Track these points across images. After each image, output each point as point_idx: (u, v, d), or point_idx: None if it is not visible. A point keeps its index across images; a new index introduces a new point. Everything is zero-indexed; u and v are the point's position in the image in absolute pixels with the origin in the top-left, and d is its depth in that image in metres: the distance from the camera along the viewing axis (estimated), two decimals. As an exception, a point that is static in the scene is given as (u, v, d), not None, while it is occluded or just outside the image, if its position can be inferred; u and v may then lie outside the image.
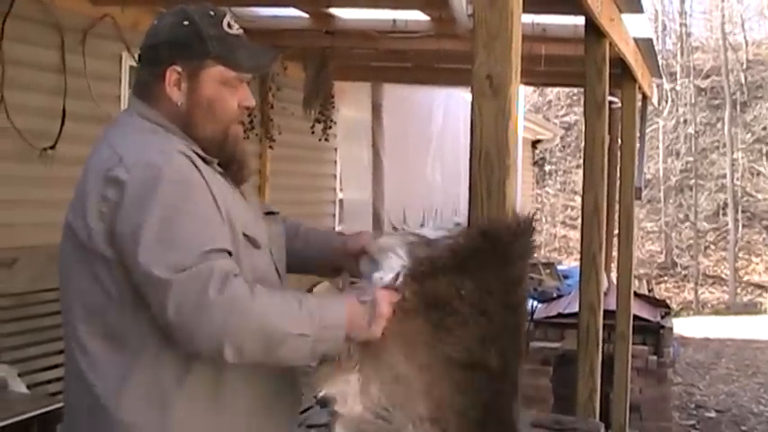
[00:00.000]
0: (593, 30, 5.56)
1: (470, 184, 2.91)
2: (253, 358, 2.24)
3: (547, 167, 33.47)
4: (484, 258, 2.51)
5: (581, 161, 6.59)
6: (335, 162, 11.48)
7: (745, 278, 30.24)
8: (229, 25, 2.47)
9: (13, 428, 4.57)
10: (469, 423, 2.51)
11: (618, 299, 7.66)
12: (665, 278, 30.57)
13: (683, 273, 30.83)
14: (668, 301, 14.46)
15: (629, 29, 6.50)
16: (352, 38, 8.47)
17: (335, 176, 11.60)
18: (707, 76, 34.54)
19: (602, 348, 5.89)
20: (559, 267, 15.67)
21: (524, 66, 3.03)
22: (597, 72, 5.69)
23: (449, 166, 13.27)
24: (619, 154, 8.47)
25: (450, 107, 13.18)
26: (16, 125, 6.09)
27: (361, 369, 2.42)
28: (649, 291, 17.78)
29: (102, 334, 2.30)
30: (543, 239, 29.59)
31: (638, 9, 6.02)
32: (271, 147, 9.57)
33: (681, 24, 36.91)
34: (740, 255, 30.71)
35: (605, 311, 6.00)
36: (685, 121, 33.97)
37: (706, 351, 15.50)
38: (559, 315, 9.09)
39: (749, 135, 33.30)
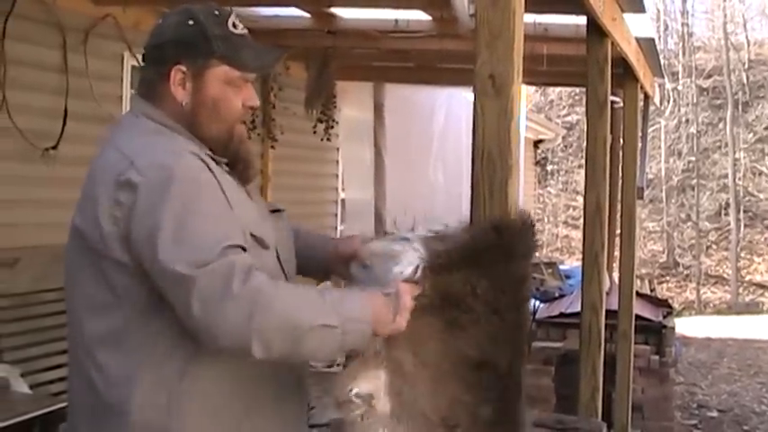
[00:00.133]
0: (596, 29, 5.56)
1: (473, 183, 2.91)
2: (280, 352, 2.23)
3: (549, 167, 33.46)
4: (496, 254, 2.53)
5: (583, 161, 6.58)
6: (337, 162, 11.49)
7: (747, 278, 30.23)
8: (234, 25, 2.46)
9: (15, 429, 4.57)
10: (481, 422, 2.52)
11: (620, 298, 7.66)
12: (667, 278, 30.55)
13: (685, 272, 30.82)
14: (670, 301, 14.42)
15: (631, 28, 6.50)
16: (354, 38, 8.47)
17: (337, 176, 11.61)
18: (709, 76, 34.52)
19: (605, 348, 5.89)
20: (561, 267, 15.63)
21: (526, 65, 3.03)
22: (599, 72, 5.69)
23: (451, 165, 13.26)
24: (621, 154, 8.48)
25: (453, 107, 13.17)
26: (18, 125, 6.10)
27: (387, 364, 2.42)
28: (651, 290, 17.70)
29: (110, 336, 2.29)
30: (545, 239, 29.61)
31: (640, 9, 6.02)
32: (273, 147, 9.58)
33: (683, 24, 36.91)
34: (742, 254, 30.71)
35: (607, 311, 5.99)
36: (687, 120, 33.95)
37: (708, 351, 15.49)
38: (561, 315, 9.08)
39: (751, 135, 33.28)
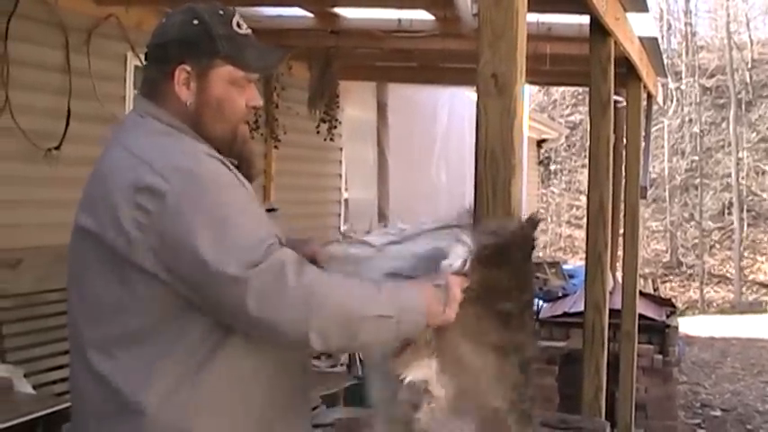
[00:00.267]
0: (599, 29, 5.56)
1: (476, 183, 2.91)
2: (338, 343, 2.32)
3: (552, 167, 33.45)
4: (523, 251, 2.62)
5: (586, 160, 6.58)
6: (340, 162, 11.48)
7: (751, 277, 30.20)
8: (238, 25, 2.46)
9: (18, 429, 4.58)
10: (520, 414, 2.58)
11: (623, 298, 7.67)
12: (671, 277, 30.53)
13: (689, 272, 30.79)
14: (673, 301, 14.47)
15: (634, 28, 6.49)
16: (357, 37, 8.47)
17: (340, 176, 11.60)
18: (712, 76, 34.46)
19: (608, 347, 5.89)
20: (565, 267, 15.65)
21: (529, 65, 3.03)
22: (602, 71, 5.68)
23: (454, 165, 13.25)
24: (624, 153, 8.47)
25: (456, 107, 13.17)
26: (21, 125, 6.10)
27: (438, 354, 2.47)
28: (655, 290, 17.71)
29: (127, 336, 2.29)
30: (548, 239, 29.63)
31: (643, 8, 6.02)
32: (276, 146, 9.57)
33: (686, 23, 36.87)
34: (745, 254, 30.67)
35: (611, 310, 6.00)
36: (690, 120, 33.92)
37: (711, 350, 15.50)
38: (565, 314, 9.09)
39: (754, 134, 33.24)
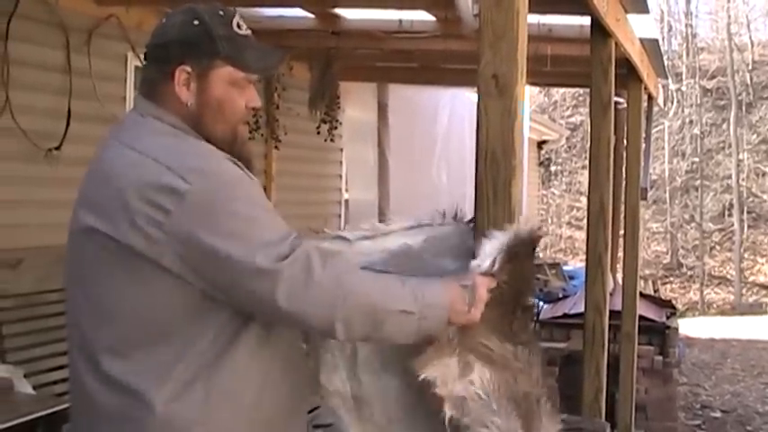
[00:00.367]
0: (599, 30, 5.56)
1: (476, 184, 2.92)
2: (361, 334, 2.39)
3: (552, 168, 33.46)
4: (531, 251, 2.68)
5: (587, 162, 6.58)
6: (341, 162, 11.49)
7: (751, 279, 30.19)
8: (239, 25, 2.46)
9: (18, 429, 4.57)
10: (544, 411, 2.67)
11: (623, 299, 7.67)
12: (671, 279, 30.52)
13: (689, 273, 30.78)
14: (674, 302, 14.47)
15: (634, 29, 6.50)
16: (358, 38, 8.47)
17: (341, 177, 11.61)
18: (712, 77, 34.47)
19: (608, 349, 5.89)
20: (565, 268, 15.66)
21: (530, 66, 3.03)
22: (603, 72, 5.68)
23: (455, 166, 13.23)
24: (624, 155, 8.47)
25: (456, 107, 13.15)
26: (21, 126, 6.10)
27: (461, 353, 2.51)
28: (655, 291, 17.74)
29: (144, 336, 2.29)
30: (549, 240, 29.59)
31: (643, 9, 6.02)
32: (276, 147, 9.57)
33: (686, 25, 36.87)
34: (746, 255, 30.67)
35: (611, 312, 6.00)
36: (691, 121, 33.91)
37: (711, 351, 15.50)
38: (565, 315, 9.10)
39: (755, 136, 33.24)
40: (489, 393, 2.52)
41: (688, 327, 17.05)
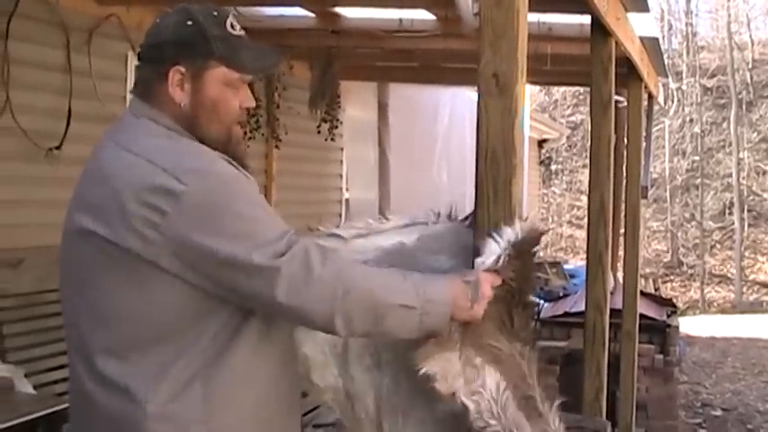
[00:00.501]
0: (600, 29, 5.55)
1: (476, 183, 2.91)
2: (362, 328, 2.37)
3: (553, 167, 33.46)
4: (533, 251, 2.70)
5: (587, 160, 6.58)
6: (341, 162, 11.49)
7: (751, 277, 30.22)
8: (233, 26, 2.46)
9: (19, 429, 4.58)
10: (545, 410, 2.70)
11: (624, 298, 7.66)
12: (672, 277, 30.55)
13: (689, 272, 30.81)
14: (674, 300, 14.46)
15: (635, 28, 6.49)
16: (358, 37, 8.47)
17: (341, 176, 11.60)
18: (713, 76, 34.48)
19: (609, 347, 5.88)
20: (566, 266, 15.68)
21: (530, 65, 3.03)
22: (603, 71, 5.67)
23: (455, 165, 13.24)
24: (625, 153, 8.46)
25: (457, 106, 13.16)
26: (22, 125, 6.10)
27: (462, 349, 2.52)
28: (655, 290, 17.77)
29: (143, 338, 2.29)
30: (549, 239, 29.58)
31: (644, 8, 6.01)
32: (277, 146, 9.57)
33: (687, 24, 36.88)
34: (746, 254, 30.69)
35: (612, 310, 5.99)
36: (691, 120, 33.92)
37: (712, 350, 15.49)
38: (566, 314, 9.10)
39: (755, 134, 33.25)
40: (501, 396, 2.53)
41: (689, 325, 17.05)
